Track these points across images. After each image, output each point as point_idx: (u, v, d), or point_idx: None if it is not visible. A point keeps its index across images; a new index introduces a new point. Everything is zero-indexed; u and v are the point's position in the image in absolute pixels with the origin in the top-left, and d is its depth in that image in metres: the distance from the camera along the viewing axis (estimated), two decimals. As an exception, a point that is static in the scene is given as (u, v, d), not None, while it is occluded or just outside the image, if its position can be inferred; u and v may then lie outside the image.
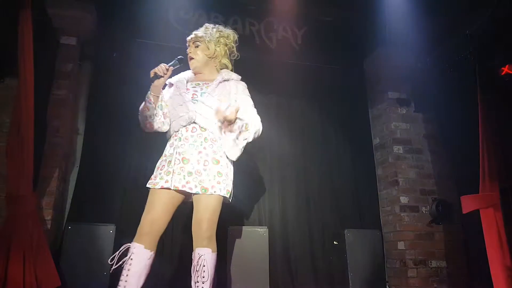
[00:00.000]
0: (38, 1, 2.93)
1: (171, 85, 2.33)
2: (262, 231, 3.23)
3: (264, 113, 3.81)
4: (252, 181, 3.62)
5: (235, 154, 2.18)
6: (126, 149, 3.36)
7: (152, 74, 2.14)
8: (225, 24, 3.72)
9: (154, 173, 2.16)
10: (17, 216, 2.60)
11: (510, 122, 3.16)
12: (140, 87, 3.41)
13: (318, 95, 4.00)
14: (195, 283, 1.94)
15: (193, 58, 2.26)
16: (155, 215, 2.04)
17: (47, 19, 3.13)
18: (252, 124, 2.18)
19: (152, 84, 2.18)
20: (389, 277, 3.59)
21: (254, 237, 3.18)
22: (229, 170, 2.18)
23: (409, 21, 3.36)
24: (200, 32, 2.29)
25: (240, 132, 2.14)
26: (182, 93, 2.21)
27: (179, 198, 2.13)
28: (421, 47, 3.51)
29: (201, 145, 2.12)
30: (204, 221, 2.03)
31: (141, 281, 1.95)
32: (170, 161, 2.12)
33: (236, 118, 2.05)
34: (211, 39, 2.27)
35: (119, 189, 3.26)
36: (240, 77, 2.37)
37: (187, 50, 2.33)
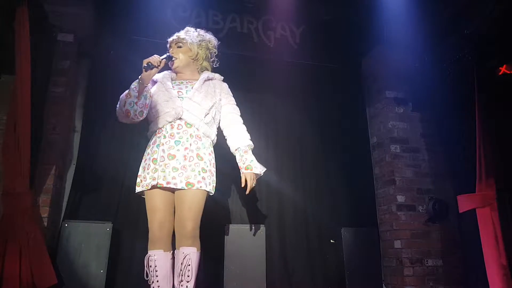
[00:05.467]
0: (35, -2, 2.91)
1: (154, 82, 2.34)
2: (259, 229, 3.23)
3: (261, 111, 3.85)
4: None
5: (260, 166, 2.39)
6: (123, 146, 3.35)
7: (145, 63, 2.14)
8: (224, 22, 3.75)
9: (142, 174, 2.20)
10: (14, 214, 2.60)
11: (507, 122, 3.17)
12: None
13: (315, 93, 4.00)
14: (180, 282, 1.98)
15: (176, 58, 2.30)
16: (161, 219, 2.09)
17: (44, 15, 3.11)
18: (244, 135, 2.33)
19: (143, 73, 2.16)
20: (385, 275, 3.60)
21: (251, 235, 3.18)
22: (213, 167, 2.23)
23: (407, 20, 3.36)
24: (182, 34, 2.35)
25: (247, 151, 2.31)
26: (168, 89, 2.24)
27: (171, 195, 2.14)
28: (419, 46, 3.51)
29: (187, 141, 2.15)
30: (190, 221, 2.05)
31: (170, 283, 2.04)
32: (155, 159, 2.14)
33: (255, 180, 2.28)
34: (193, 41, 2.32)
35: (116, 187, 3.25)
36: (222, 77, 2.43)
37: (169, 51, 2.36)
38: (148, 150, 2.23)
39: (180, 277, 1.98)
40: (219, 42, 2.51)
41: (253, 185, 2.22)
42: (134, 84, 2.20)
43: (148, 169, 2.16)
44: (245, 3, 3.75)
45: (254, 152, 3.68)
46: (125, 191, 3.24)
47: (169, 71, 2.43)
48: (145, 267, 2.07)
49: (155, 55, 2.18)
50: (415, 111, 3.87)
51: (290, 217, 3.60)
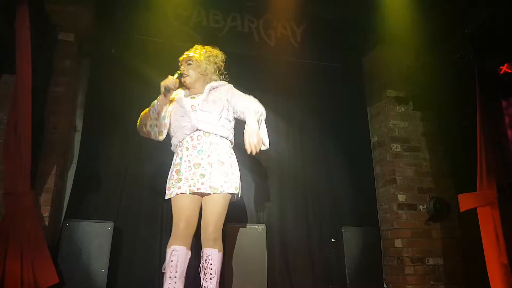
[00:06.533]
0: (36, -3, 2.90)
1: (170, 101, 2.51)
2: (260, 228, 3.23)
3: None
4: (250, 179, 3.63)
5: (267, 140, 2.49)
6: (124, 145, 3.35)
7: (163, 87, 2.35)
8: (224, 21, 3.74)
9: (167, 184, 2.39)
10: (15, 213, 2.60)
11: (507, 121, 3.17)
12: (138, 83, 3.44)
13: (316, 93, 3.99)
14: (204, 279, 2.19)
15: (186, 75, 2.48)
16: (188, 217, 2.26)
17: (45, 15, 3.11)
18: (259, 107, 2.43)
19: (162, 94, 2.37)
20: (386, 274, 3.60)
21: (252, 235, 3.18)
22: (235, 170, 2.40)
23: (408, 19, 3.36)
24: (191, 52, 2.52)
25: (260, 122, 2.40)
26: (183, 105, 2.43)
27: (198, 199, 2.32)
28: (420, 45, 3.51)
29: (208, 149, 2.33)
30: (211, 224, 2.24)
31: (183, 278, 2.22)
32: (179, 170, 2.33)
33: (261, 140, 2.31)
34: (201, 57, 2.50)
35: (117, 186, 3.25)
36: (226, 81, 2.58)
37: (180, 68, 2.51)
38: (174, 162, 2.41)
39: (205, 274, 2.19)
40: (225, 57, 2.65)
41: (255, 142, 2.22)
42: (155, 106, 2.40)
43: (172, 179, 2.35)
44: (246, 2, 3.75)
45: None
46: (126, 190, 3.25)
47: (182, 88, 2.57)
48: (167, 260, 2.19)
49: (169, 77, 2.38)
50: (416, 110, 3.87)
51: (291, 216, 3.60)
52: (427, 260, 3.48)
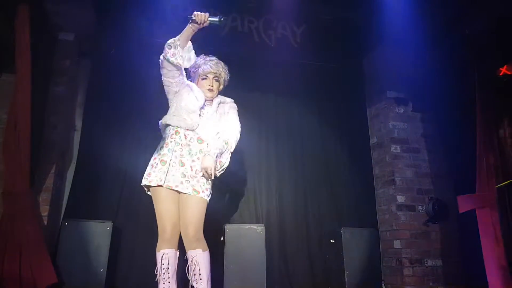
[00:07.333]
0: (36, -3, 2.91)
1: (191, 89, 2.50)
2: (259, 229, 3.23)
3: (262, 111, 3.86)
4: (250, 180, 3.63)
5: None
6: (123, 145, 3.36)
7: (194, 15, 2.36)
8: (224, 21, 3.74)
9: (148, 170, 2.36)
10: (14, 212, 2.60)
11: (507, 122, 3.17)
12: (137, 83, 3.44)
13: (316, 93, 4.00)
14: (194, 280, 2.22)
15: (212, 90, 2.53)
16: (174, 218, 2.29)
17: (45, 15, 3.11)
18: (231, 138, 2.43)
19: (190, 23, 2.38)
20: (385, 275, 3.60)
21: (251, 235, 3.18)
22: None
23: (408, 20, 3.35)
24: (220, 69, 2.57)
25: (222, 152, 2.37)
26: (195, 103, 2.44)
27: (177, 196, 2.33)
28: (419, 46, 3.51)
29: (196, 155, 2.35)
30: (191, 227, 2.25)
31: (175, 277, 2.29)
32: (165, 161, 2.32)
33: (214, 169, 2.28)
34: (225, 79, 2.61)
35: (116, 186, 3.26)
36: (232, 100, 2.63)
37: (206, 81, 2.51)
38: (160, 151, 2.38)
39: (194, 276, 2.22)
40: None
41: (210, 172, 2.25)
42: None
43: (155, 167, 2.33)
44: (246, 3, 3.74)
45: (254, 151, 3.73)
46: (125, 190, 3.25)
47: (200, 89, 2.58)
48: (158, 264, 2.25)
49: (206, 15, 2.36)
50: (415, 111, 3.87)
51: (290, 217, 3.60)
52: (426, 261, 3.48)
